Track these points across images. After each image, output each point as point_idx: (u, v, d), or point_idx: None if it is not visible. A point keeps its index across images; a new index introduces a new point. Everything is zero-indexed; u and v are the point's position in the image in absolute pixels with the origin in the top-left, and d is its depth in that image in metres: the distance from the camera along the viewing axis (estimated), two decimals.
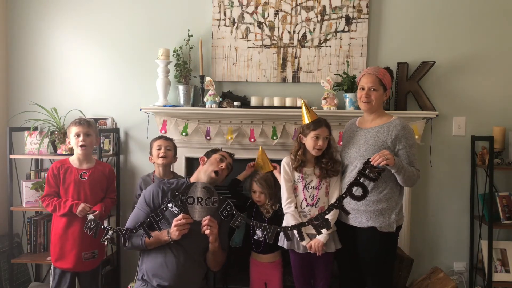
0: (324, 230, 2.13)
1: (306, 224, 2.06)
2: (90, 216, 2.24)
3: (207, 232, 2.15)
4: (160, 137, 2.74)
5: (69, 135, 2.54)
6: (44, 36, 3.20)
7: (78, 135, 2.48)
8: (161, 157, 2.63)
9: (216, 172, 2.32)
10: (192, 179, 2.37)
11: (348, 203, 2.23)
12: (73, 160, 2.54)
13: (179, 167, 2.99)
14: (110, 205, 2.62)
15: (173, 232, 2.14)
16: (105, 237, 2.13)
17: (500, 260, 2.90)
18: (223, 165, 2.36)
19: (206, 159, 2.42)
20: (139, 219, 2.19)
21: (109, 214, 2.78)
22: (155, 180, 2.66)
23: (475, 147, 2.96)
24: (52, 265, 2.50)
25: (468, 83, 2.99)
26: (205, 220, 2.14)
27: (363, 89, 2.30)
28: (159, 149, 2.65)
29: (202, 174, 2.35)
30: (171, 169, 2.79)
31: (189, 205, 2.14)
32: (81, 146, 2.48)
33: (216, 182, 2.34)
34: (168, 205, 2.13)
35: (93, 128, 2.56)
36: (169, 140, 2.73)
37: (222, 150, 2.53)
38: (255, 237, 2.40)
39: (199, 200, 2.15)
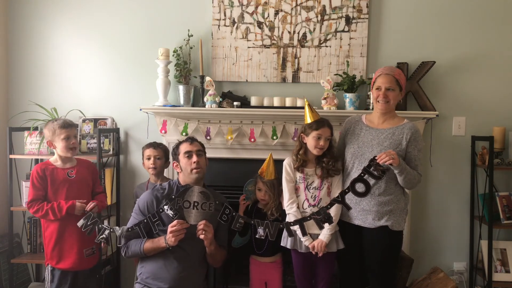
0: (326, 225, 2.13)
1: (309, 218, 2.07)
2: (91, 206, 2.31)
3: (201, 236, 2.15)
4: (149, 145, 2.76)
5: (54, 138, 2.46)
6: (44, 36, 3.20)
7: (68, 138, 2.45)
8: (151, 168, 2.70)
9: (196, 169, 2.27)
10: (181, 181, 2.34)
11: (358, 204, 2.23)
12: (56, 161, 2.50)
13: None
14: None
15: (169, 238, 2.14)
16: (101, 236, 2.12)
17: (500, 260, 2.90)
18: (194, 160, 2.28)
19: (177, 163, 2.34)
20: (139, 229, 2.19)
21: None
22: (149, 188, 2.67)
23: (475, 147, 2.96)
24: (50, 267, 2.46)
25: (468, 83, 2.99)
26: (200, 225, 2.14)
27: (379, 89, 2.30)
28: (149, 159, 2.71)
29: (187, 177, 2.30)
30: (164, 175, 2.82)
31: (185, 209, 2.14)
32: (73, 148, 2.47)
33: (203, 174, 2.32)
34: (164, 207, 2.12)
35: (76, 129, 2.59)
36: (159, 148, 2.75)
37: (180, 142, 2.38)
38: (256, 236, 2.40)
39: (195, 204, 2.15)
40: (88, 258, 2.50)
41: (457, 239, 3.04)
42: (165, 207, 2.12)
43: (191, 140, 2.37)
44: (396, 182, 2.25)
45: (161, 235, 2.20)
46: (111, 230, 2.14)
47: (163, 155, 2.75)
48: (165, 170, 2.86)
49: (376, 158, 2.10)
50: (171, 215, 2.12)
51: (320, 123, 2.29)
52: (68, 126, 2.48)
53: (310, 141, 2.31)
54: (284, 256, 2.59)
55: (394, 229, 2.24)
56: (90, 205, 2.42)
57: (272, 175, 2.53)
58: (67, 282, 2.46)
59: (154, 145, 2.76)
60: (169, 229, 2.13)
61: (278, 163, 2.56)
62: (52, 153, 2.94)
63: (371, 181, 2.12)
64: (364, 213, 2.26)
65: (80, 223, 2.14)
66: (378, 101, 2.31)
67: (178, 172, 2.38)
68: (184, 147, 2.32)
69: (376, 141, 2.28)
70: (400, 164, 2.15)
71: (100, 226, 2.14)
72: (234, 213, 2.11)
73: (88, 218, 2.15)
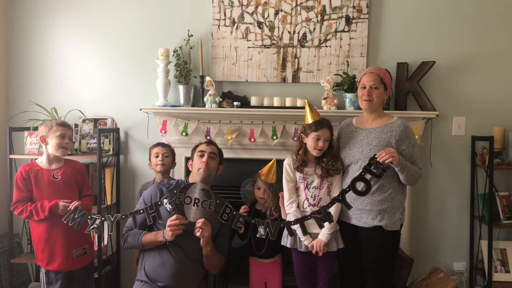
0: (326, 224, 2.13)
1: (309, 217, 2.07)
2: (75, 204, 2.23)
3: (198, 234, 2.15)
4: (157, 144, 2.79)
5: (49, 135, 2.44)
6: (44, 36, 3.20)
7: (63, 137, 2.44)
8: (159, 164, 2.69)
9: (201, 169, 2.29)
10: (190, 180, 2.37)
11: (353, 203, 2.24)
12: (42, 162, 2.48)
13: (179, 167, 2.99)
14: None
15: (166, 232, 2.14)
16: (91, 227, 2.10)
17: (500, 260, 2.90)
18: (204, 159, 2.32)
19: (191, 162, 2.41)
20: (137, 219, 2.19)
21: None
22: None
23: (475, 147, 2.96)
24: (44, 269, 2.43)
25: (468, 83, 2.99)
26: (198, 223, 2.14)
27: (364, 87, 2.31)
28: (157, 157, 2.72)
29: (195, 175, 2.34)
30: (170, 175, 2.82)
31: (186, 205, 2.14)
32: (64, 148, 2.45)
33: (212, 175, 2.35)
34: (164, 200, 2.12)
35: (72, 132, 2.58)
36: (167, 146, 2.78)
37: (201, 143, 2.45)
38: (257, 235, 2.40)
39: (196, 201, 2.15)
40: (80, 258, 2.46)
41: (457, 239, 3.04)
42: (164, 200, 2.12)
43: (209, 142, 2.45)
44: (390, 180, 2.25)
45: (161, 229, 2.21)
46: (103, 218, 2.10)
47: (170, 153, 2.77)
48: (171, 170, 2.86)
49: (376, 156, 2.10)
50: (169, 209, 2.12)
51: (320, 124, 2.29)
52: (65, 125, 2.48)
53: (309, 142, 2.31)
54: (284, 256, 2.59)
55: (389, 229, 2.23)
56: (74, 204, 2.32)
57: (273, 179, 2.53)
58: (61, 283, 2.43)
59: (163, 144, 2.80)
60: (168, 222, 2.14)
61: (278, 163, 2.56)
62: None
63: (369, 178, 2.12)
64: (358, 212, 2.26)
65: (66, 217, 2.11)
66: (363, 100, 2.32)
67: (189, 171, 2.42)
68: (200, 147, 2.40)
69: (366, 141, 2.29)
70: (400, 162, 2.15)
71: (90, 216, 2.10)
72: (234, 212, 2.11)
73: (75, 212, 2.11)
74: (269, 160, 2.60)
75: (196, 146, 2.44)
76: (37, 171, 2.44)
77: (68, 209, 2.27)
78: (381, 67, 2.48)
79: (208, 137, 2.90)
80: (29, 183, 2.41)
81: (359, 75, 2.90)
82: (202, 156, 2.34)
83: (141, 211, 2.14)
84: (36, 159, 3.03)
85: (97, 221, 2.10)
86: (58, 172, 2.47)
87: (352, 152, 2.31)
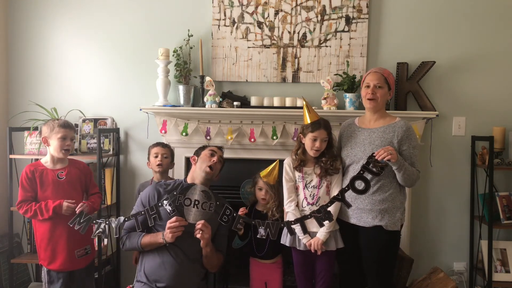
0: (326, 223, 2.13)
1: (309, 216, 2.07)
2: (81, 208, 2.23)
3: (198, 236, 2.15)
4: (157, 144, 2.79)
5: (51, 136, 2.43)
6: (44, 36, 3.20)
7: (64, 138, 2.43)
8: (158, 165, 2.70)
9: (210, 167, 2.31)
10: (189, 179, 2.38)
11: (353, 203, 2.24)
12: (46, 162, 2.47)
13: (179, 167, 3.00)
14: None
15: (166, 234, 2.14)
16: (97, 231, 2.09)
17: (500, 260, 2.90)
18: (214, 159, 2.35)
19: (196, 157, 2.42)
20: (135, 220, 2.18)
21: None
22: None
23: (475, 147, 2.96)
24: (45, 268, 2.43)
25: (468, 83, 2.99)
26: (199, 224, 2.14)
27: (368, 86, 2.31)
28: (156, 157, 2.72)
29: (197, 172, 2.34)
30: (168, 175, 2.82)
31: (185, 207, 2.14)
32: (66, 150, 2.44)
33: (212, 178, 2.35)
34: (164, 202, 2.12)
35: (75, 132, 2.57)
36: (166, 147, 2.79)
37: (210, 145, 2.53)
38: (257, 236, 2.40)
39: (196, 203, 2.15)
40: (81, 258, 2.46)
41: (457, 239, 3.04)
42: (165, 202, 2.12)
43: (220, 147, 2.50)
44: (391, 180, 2.25)
45: (160, 231, 2.21)
46: (107, 222, 2.09)
47: (169, 154, 2.78)
48: (169, 171, 2.86)
49: (374, 154, 2.10)
50: (169, 211, 2.12)
51: (316, 125, 2.30)
52: (67, 126, 2.47)
53: (307, 142, 2.32)
54: (284, 256, 2.59)
55: (389, 229, 2.23)
56: (79, 208, 2.33)
57: (274, 180, 2.53)
58: (63, 282, 2.43)
59: (162, 145, 2.80)
60: (168, 224, 2.14)
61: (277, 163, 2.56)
62: None
63: (369, 177, 2.12)
64: (359, 212, 2.27)
65: (71, 221, 2.10)
66: (367, 99, 2.32)
67: (190, 168, 2.43)
68: (212, 147, 2.45)
69: (368, 140, 2.30)
70: (398, 160, 2.15)
71: (95, 221, 2.10)
72: (234, 214, 2.11)
73: (80, 216, 2.11)
74: (269, 160, 2.60)
75: (205, 146, 2.47)
76: (41, 171, 2.44)
77: (76, 211, 2.28)
78: (381, 67, 2.48)
79: (208, 137, 2.90)
80: (34, 183, 2.41)
81: (359, 75, 2.93)
82: (212, 155, 2.36)
83: (142, 213, 2.13)
84: (36, 159, 3.06)
85: (102, 225, 2.09)
86: (62, 172, 2.47)
87: (354, 151, 2.32)
